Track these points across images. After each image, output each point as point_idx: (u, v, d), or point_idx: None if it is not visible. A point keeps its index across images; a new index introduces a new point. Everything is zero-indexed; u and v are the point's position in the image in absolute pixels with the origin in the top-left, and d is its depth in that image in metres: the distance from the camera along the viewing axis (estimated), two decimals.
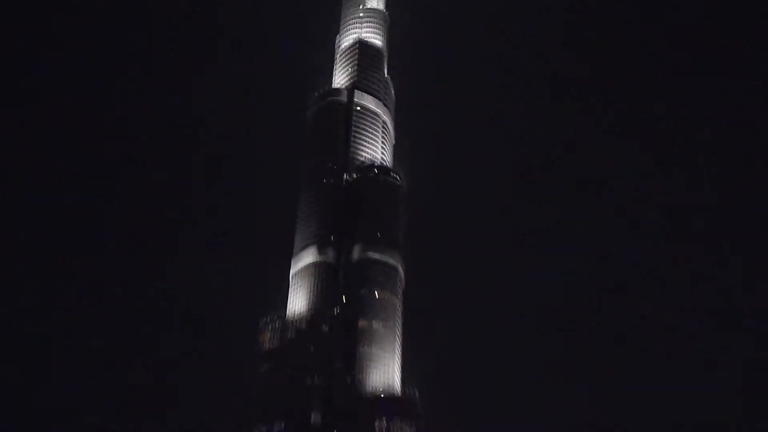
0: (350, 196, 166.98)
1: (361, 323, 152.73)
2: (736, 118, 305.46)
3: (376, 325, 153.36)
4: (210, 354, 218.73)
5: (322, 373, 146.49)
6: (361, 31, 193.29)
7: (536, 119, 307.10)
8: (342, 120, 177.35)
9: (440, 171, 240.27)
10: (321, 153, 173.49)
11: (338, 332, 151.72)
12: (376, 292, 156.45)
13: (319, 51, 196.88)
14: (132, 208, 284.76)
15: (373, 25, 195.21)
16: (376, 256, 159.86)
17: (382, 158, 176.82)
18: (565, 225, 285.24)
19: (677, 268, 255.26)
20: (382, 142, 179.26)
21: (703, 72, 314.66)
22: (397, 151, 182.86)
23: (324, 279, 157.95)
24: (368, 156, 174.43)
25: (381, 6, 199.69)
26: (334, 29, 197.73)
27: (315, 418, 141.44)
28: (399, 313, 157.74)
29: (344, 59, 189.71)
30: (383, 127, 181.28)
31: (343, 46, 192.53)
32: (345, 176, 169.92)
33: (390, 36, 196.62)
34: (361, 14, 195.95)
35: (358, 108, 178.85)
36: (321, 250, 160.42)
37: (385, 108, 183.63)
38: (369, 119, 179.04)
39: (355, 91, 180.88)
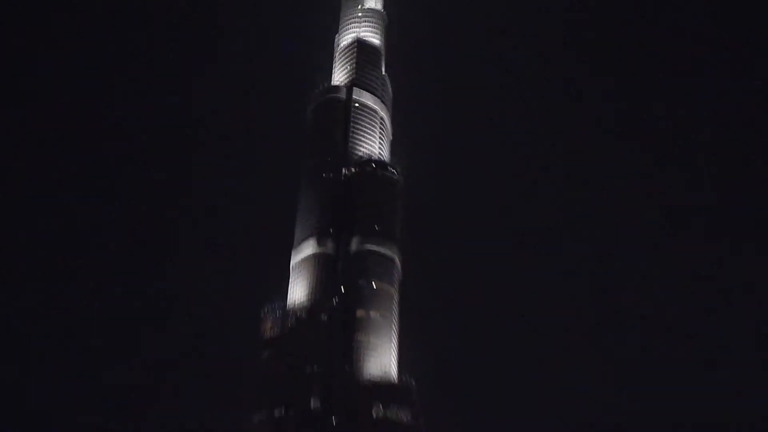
0: (349, 190, 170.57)
1: (359, 313, 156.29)
2: (736, 118, 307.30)
3: (374, 314, 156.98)
4: (210, 353, 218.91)
5: (322, 361, 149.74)
6: (360, 30, 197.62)
7: (535, 118, 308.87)
8: (341, 116, 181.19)
9: (436, 166, 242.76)
10: (320, 148, 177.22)
11: (337, 321, 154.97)
12: (373, 282, 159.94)
13: (319, 50, 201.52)
14: (132, 208, 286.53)
15: (371, 24, 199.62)
16: (373, 247, 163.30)
17: (379, 153, 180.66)
18: (565, 225, 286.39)
19: (677, 268, 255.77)
20: (380, 138, 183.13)
21: (703, 72, 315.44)
22: (394, 146, 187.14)
23: (323, 270, 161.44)
24: (366, 151, 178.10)
25: (379, 6, 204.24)
26: (333, 29, 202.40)
27: (314, 404, 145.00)
28: (395, 304, 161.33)
29: (343, 58, 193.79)
30: (381, 123, 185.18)
31: (342, 45, 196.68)
32: (344, 171, 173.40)
33: (388, 35, 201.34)
34: (360, 14, 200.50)
35: (357, 105, 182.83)
36: (320, 242, 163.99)
37: (383, 105, 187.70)
38: (367, 115, 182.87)
39: (354, 88, 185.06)
